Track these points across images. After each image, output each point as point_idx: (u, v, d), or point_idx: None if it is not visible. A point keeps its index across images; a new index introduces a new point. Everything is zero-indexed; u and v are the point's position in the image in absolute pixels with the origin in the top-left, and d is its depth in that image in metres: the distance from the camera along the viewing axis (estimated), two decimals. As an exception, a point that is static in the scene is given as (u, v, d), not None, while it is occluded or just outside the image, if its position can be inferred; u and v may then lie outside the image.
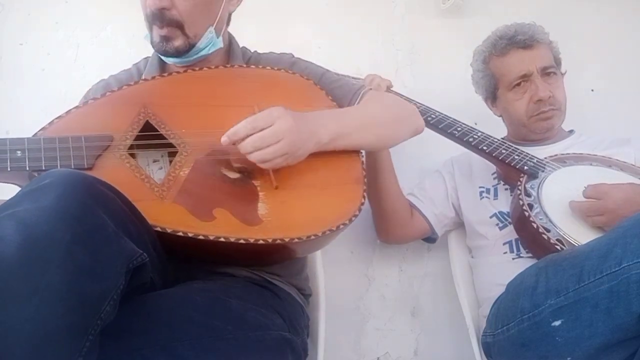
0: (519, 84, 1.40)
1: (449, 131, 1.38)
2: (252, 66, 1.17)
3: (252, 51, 1.25)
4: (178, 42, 1.08)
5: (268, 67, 1.17)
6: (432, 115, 1.42)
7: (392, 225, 1.45)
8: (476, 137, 1.36)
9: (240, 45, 1.24)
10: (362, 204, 1.05)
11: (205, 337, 0.84)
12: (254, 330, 0.91)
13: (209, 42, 1.13)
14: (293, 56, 1.24)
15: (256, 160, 0.95)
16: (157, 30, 1.08)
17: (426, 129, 1.31)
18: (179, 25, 1.07)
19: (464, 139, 1.36)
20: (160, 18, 1.06)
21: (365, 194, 1.07)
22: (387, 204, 1.41)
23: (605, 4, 1.95)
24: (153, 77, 1.10)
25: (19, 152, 0.89)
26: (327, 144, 1.04)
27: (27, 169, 0.88)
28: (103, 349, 0.70)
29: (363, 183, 1.08)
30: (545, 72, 1.40)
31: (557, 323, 0.93)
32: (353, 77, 1.48)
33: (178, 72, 1.11)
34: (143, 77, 1.15)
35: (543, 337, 0.96)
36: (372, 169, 1.39)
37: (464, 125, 1.39)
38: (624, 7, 1.95)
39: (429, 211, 1.44)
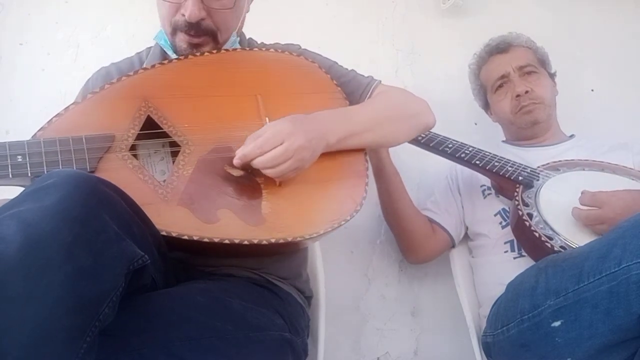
0: (501, 86, 1.51)
1: (440, 149, 1.38)
2: (255, 49, 1.14)
3: (259, 42, 1.24)
4: (207, 49, 1.09)
5: (272, 50, 1.14)
6: (422, 135, 1.38)
7: (417, 244, 1.46)
8: (468, 152, 1.37)
9: (247, 37, 1.23)
10: (364, 198, 1.06)
11: (206, 337, 0.84)
12: (254, 330, 0.91)
13: (231, 45, 1.14)
14: (300, 48, 1.22)
15: (268, 174, 0.96)
16: (184, 37, 1.06)
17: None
18: (212, 34, 1.08)
19: (456, 155, 1.37)
20: (196, 28, 1.05)
21: (366, 187, 1.07)
22: (407, 224, 1.44)
23: (605, 4, 1.95)
24: (153, 66, 1.06)
25: (19, 157, 0.86)
26: (335, 145, 1.04)
27: (29, 175, 0.86)
28: (103, 348, 0.70)
29: (365, 176, 1.08)
30: (525, 71, 1.48)
31: (557, 324, 0.93)
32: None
33: (179, 59, 1.08)
34: (144, 67, 1.12)
35: (543, 337, 0.96)
36: (385, 194, 1.44)
37: (454, 142, 1.39)
38: (624, 7, 1.95)
39: (448, 223, 1.45)
